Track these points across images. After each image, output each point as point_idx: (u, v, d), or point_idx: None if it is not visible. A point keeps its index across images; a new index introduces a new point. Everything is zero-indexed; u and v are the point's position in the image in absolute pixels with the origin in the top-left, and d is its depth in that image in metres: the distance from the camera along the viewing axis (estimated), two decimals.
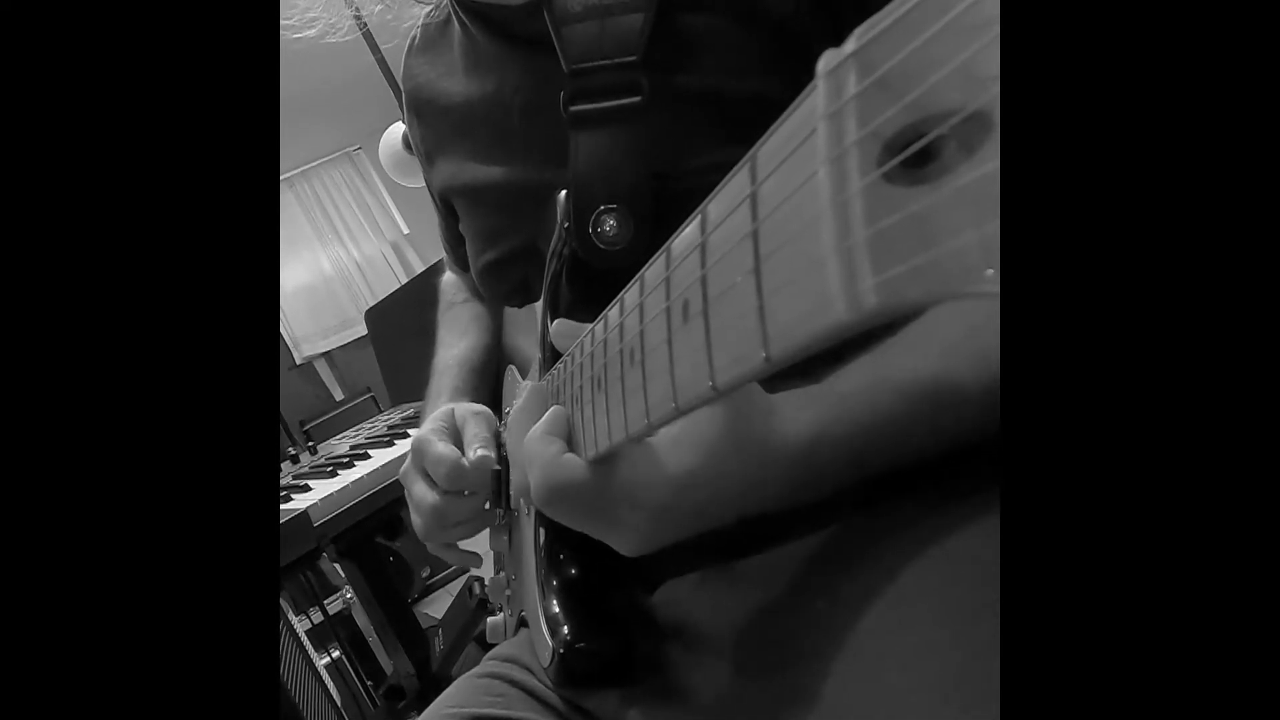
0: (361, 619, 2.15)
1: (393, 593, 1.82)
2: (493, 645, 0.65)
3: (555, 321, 0.46)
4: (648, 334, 0.28)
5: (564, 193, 0.50)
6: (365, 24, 0.71)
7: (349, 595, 2.37)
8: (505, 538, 0.68)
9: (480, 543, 0.66)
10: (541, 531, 0.52)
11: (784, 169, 0.20)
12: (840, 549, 0.45)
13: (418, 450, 0.60)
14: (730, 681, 0.45)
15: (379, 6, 0.68)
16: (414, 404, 1.79)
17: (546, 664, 0.49)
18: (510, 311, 0.77)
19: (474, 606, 1.88)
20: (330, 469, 1.51)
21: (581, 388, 0.37)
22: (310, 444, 1.95)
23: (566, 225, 0.50)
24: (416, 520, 0.63)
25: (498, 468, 0.58)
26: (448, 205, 0.69)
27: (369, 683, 1.89)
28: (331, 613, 2.09)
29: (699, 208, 0.25)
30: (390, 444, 1.57)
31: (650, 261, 0.29)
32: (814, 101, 0.18)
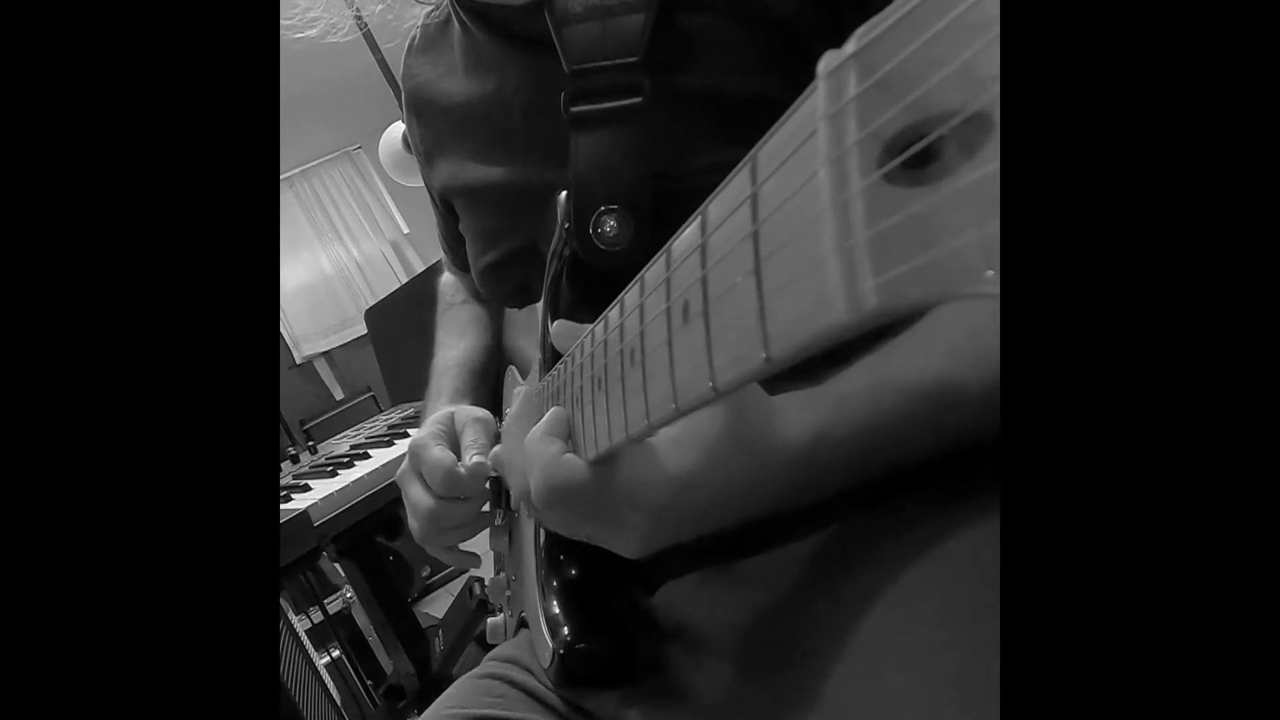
0: (361, 619, 2.15)
1: (393, 592, 1.82)
2: (493, 646, 0.65)
3: (555, 322, 0.46)
4: (648, 335, 0.28)
5: (564, 193, 0.50)
6: (366, 24, 0.71)
7: (349, 595, 2.37)
8: (505, 539, 0.68)
9: (479, 544, 0.66)
10: (542, 532, 0.52)
11: (784, 170, 0.20)
12: (841, 549, 0.45)
13: (414, 454, 0.60)
14: (731, 682, 0.45)
15: (380, 6, 0.68)
16: (414, 404, 1.79)
17: (546, 665, 0.49)
18: (510, 312, 0.77)
19: (474, 607, 1.88)
20: (330, 469, 1.51)
21: (582, 388, 0.37)
22: (310, 443, 1.95)
23: (567, 226, 0.50)
24: (413, 523, 0.63)
25: (494, 473, 0.58)
26: (447, 205, 0.69)
27: (369, 682, 1.89)
28: (331, 612, 2.09)
29: (699, 208, 0.25)
30: (390, 444, 1.57)
31: (651, 262, 0.29)
32: (814, 102, 0.18)
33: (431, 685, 1.70)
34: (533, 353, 0.61)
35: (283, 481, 1.52)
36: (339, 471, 1.48)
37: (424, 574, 2.93)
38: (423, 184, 0.73)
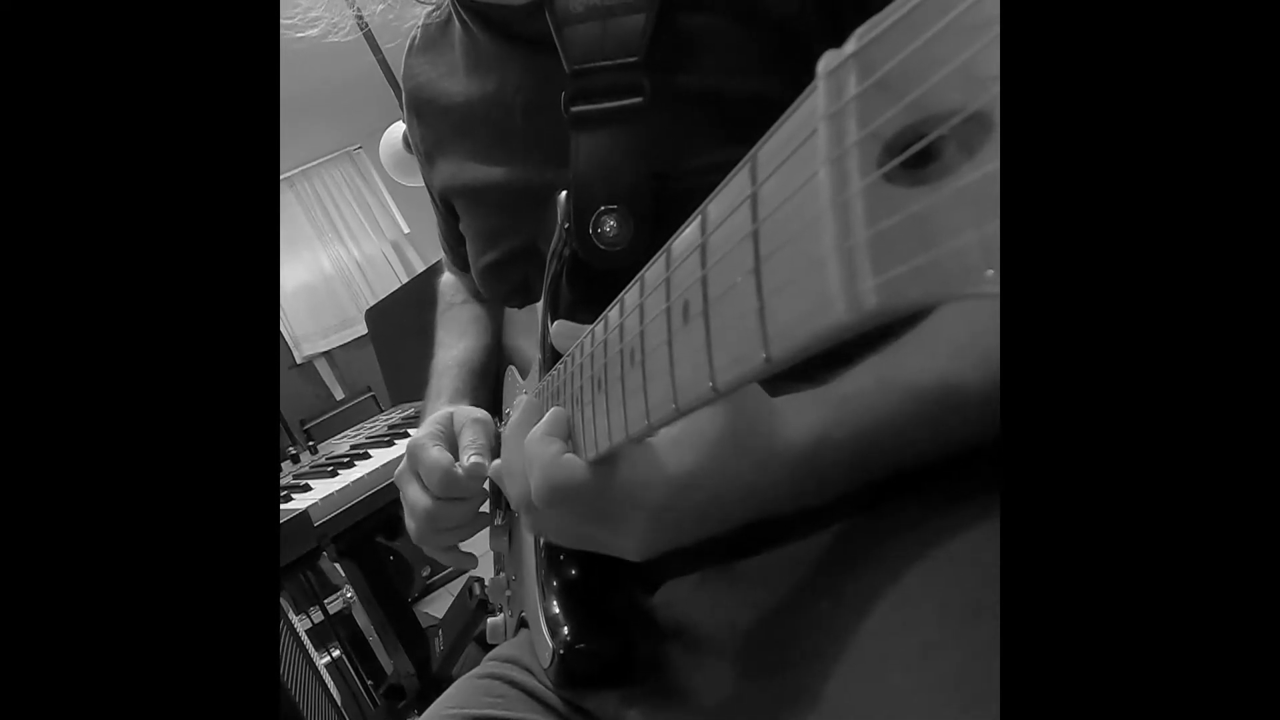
0: (362, 619, 2.15)
1: (393, 592, 1.82)
2: (493, 645, 0.65)
3: (555, 322, 0.46)
4: (648, 334, 0.28)
5: (564, 193, 0.50)
6: (367, 24, 0.71)
7: (349, 595, 2.37)
8: (505, 539, 0.68)
9: (477, 544, 0.66)
10: None
11: (784, 169, 0.20)
12: (843, 550, 0.45)
13: (412, 455, 0.60)
14: (731, 682, 0.45)
15: (381, 6, 0.68)
16: (414, 403, 1.79)
17: (546, 665, 0.49)
18: (510, 312, 0.77)
19: (474, 607, 1.87)
20: (330, 468, 1.51)
21: (582, 388, 0.37)
22: (310, 443, 1.95)
23: (567, 226, 0.50)
24: (410, 524, 0.62)
25: (490, 471, 0.58)
26: (448, 205, 0.69)
27: (369, 682, 1.89)
28: (332, 612, 2.09)
29: (699, 208, 0.25)
30: (391, 443, 1.57)
31: (650, 262, 0.29)
32: (814, 102, 0.18)
33: (431, 685, 1.70)
34: (533, 353, 0.61)
35: (283, 481, 1.52)
36: (339, 471, 1.48)
37: (424, 574, 2.93)
38: (423, 184, 0.73)
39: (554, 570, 0.51)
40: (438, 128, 0.66)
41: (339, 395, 4.43)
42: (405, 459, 0.62)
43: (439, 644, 1.87)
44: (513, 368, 0.73)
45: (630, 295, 0.31)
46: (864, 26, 0.17)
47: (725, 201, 0.23)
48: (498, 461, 0.49)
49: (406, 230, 4.73)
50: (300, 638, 1.48)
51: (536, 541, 0.53)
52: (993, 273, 0.14)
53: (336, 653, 1.87)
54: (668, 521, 0.39)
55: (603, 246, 0.48)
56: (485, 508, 0.64)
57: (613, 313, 0.33)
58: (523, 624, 0.61)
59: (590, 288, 0.49)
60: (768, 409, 0.40)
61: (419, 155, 0.71)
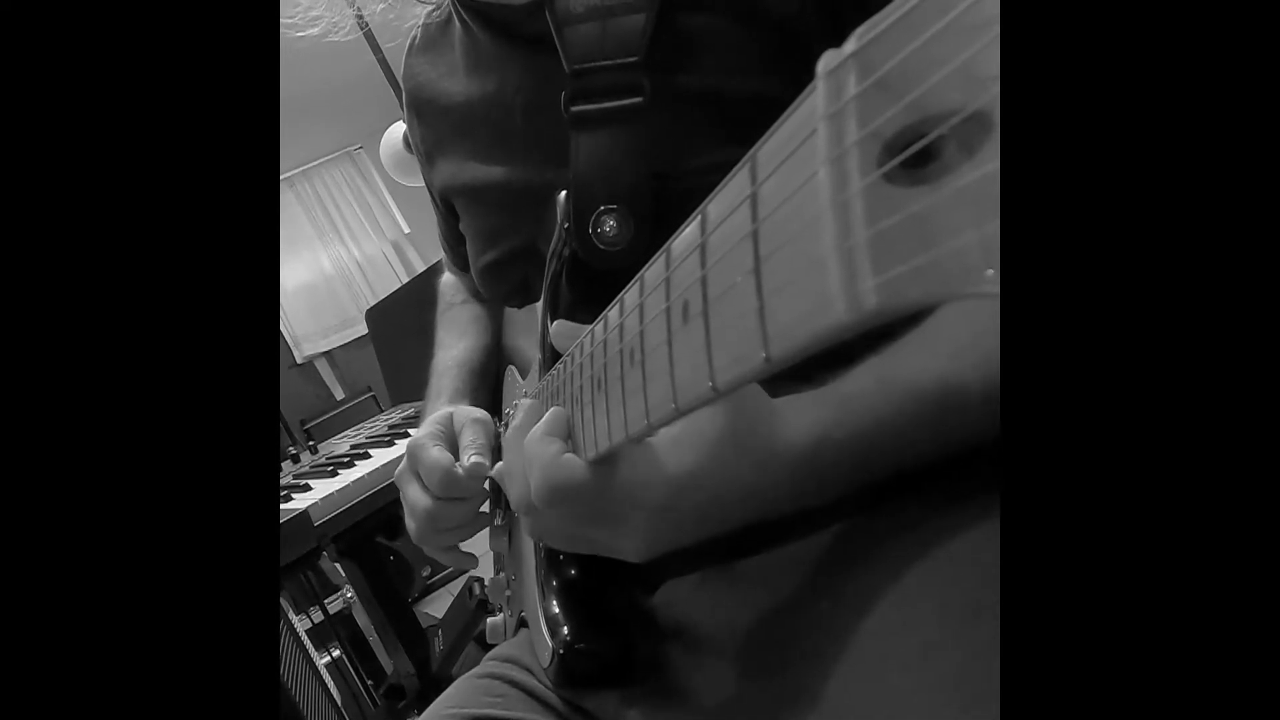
0: (362, 618, 2.15)
1: (393, 592, 1.82)
2: (493, 645, 0.65)
3: (555, 322, 0.46)
4: (648, 334, 0.28)
5: (564, 193, 0.50)
6: (367, 23, 0.71)
7: (349, 595, 2.37)
8: (505, 539, 0.68)
9: (477, 544, 0.66)
10: None
11: (784, 169, 0.20)
12: (843, 550, 0.45)
13: (412, 455, 0.60)
14: (731, 682, 0.45)
15: (381, 5, 0.68)
16: (415, 403, 1.79)
17: (546, 664, 0.49)
18: (510, 312, 0.77)
19: (474, 607, 1.87)
20: (331, 468, 1.51)
21: (581, 388, 0.37)
22: (311, 443, 1.95)
23: (566, 225, 0.50)
24: (410, 524, 0.62)
25: (492, 474, 0.58)
26: (448, 205, 0.69)
27: (369, 682, 1.89)
28: (332, 612, 2.09)
29: (699, 208, 0.25)
30: (391, 443, 1.57)
31: (650, 262, 0.29)
32: (814, 102, 0.18)
33: (431, 685, 1.70)
34: (533, 353, 0.61)
35: (283, 481, 1.52)
36: (339, 471, 1.48)
37: (424, 574, 2.93)
38: (423, 184, 0.73)
39: (554, 570, 0.51)
40: (438, 127, 0.66)
41: (339, 395, 4.43)
42: (405, 459, 0.62)
43: (439, 644, 1.86)
44: (513, 368, 0.73)
45: (630, 295, 0.31)
46: (864, 26, 0.17)
47: (725, 201, 0.23)
48: (500, 465, 0.49)
49: (407, 230, 4.73)
50: (300, 638, 1.48)
51: (536, 542, 0.53)
52: (993, 272, 0.14)
53: (336, 653, 1.87)
54: (668, 521, 0.39)
55: (602, 246, 0.48)
56: (485, 508, 0.64)
57: (612, 313, 0.33)
58: (522, 624, 0.61)
59: (590, 288, 0.49)
60: (768, 409, 0.40)
61: (419, 155, 0.71)
